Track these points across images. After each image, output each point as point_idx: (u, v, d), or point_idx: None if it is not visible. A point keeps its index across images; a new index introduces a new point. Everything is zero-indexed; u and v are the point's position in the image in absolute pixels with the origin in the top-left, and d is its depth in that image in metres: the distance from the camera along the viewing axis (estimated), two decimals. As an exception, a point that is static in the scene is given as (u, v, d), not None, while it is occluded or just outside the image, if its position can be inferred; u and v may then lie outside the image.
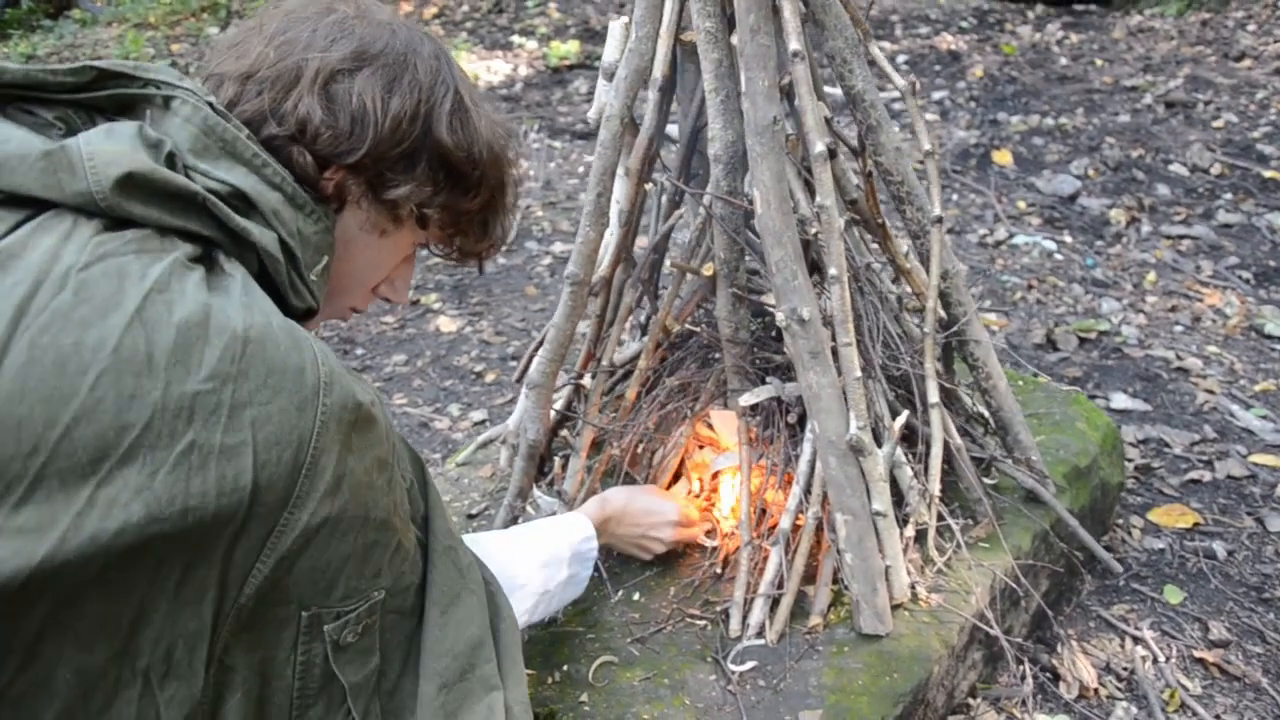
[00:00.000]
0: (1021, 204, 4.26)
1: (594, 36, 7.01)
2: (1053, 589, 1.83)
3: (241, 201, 0.93)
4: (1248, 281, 3.56)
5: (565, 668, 1.48)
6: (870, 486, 1.46)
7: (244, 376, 0.82)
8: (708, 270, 1.61)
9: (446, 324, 3.26)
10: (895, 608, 1.52)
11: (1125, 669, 1.76)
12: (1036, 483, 1.71)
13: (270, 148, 0.98)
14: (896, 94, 5.16)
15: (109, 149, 0.85)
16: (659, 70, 1.51)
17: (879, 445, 1.49)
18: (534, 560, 1.35)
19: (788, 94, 1.46)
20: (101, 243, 0.82)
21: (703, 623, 1.57)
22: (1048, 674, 1.73)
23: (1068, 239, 3.95)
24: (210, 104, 0.95)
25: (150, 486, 0.77)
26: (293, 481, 0.84)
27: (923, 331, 1.56)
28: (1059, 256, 3.81)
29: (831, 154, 1.44)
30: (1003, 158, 4.73)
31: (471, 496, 1.91)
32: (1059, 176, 4.48)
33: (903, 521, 1.58)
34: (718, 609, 1.58)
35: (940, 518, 1.61)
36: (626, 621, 1.57)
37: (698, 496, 1.75)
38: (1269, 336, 3.14)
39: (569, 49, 6.66)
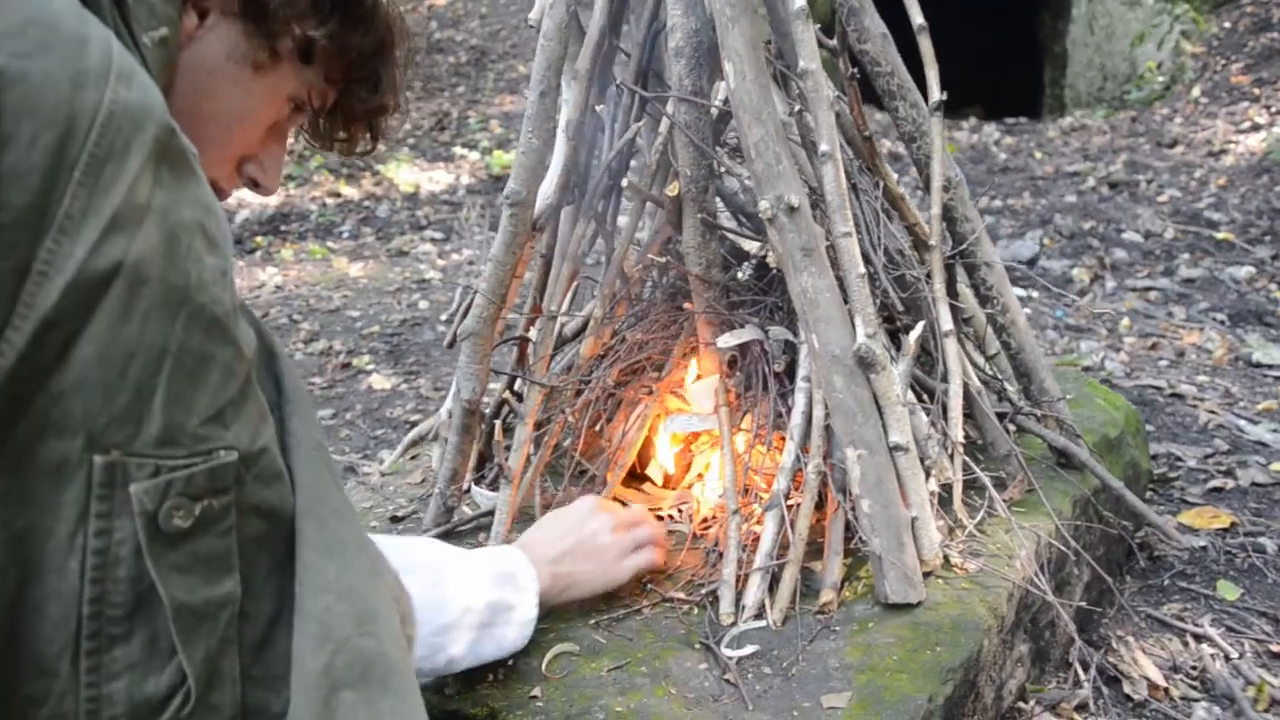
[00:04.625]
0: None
1: (537, 147, 6.99)
2: (1095, 582, 1.54)
3: None
4: (1222, 323, 3.43)
5: (510, 662, 1.14)
6: (885, 412, 1.19)
7: None
8: (671, 190, 1.37)
9: (380, 382, 2.95)
10: (926, 575, 1.22)
11: (1194, 667, 1.46)
12: (1069, 441, 1.44)
13: None
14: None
15: None
16: (609, -49, 1.32)
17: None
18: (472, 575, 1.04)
19: (758, -33, 1.27)
20: None
21: (686, 607, 1.24)
22: (1105, 675, 1.42)
23: (1034, 295, 3.82)
24: None
25: None
26: (53, 182, 0.54)
27: (928, 248, 1.33)
28: (1028, 310, 3.66)
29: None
30: (956, 232, 4.65)
31: (397, 501, 1.59)
32: (1016, 243, 4.40)
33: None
34: (703, 591, 1.26)
35: (967, 469, 1.33)
36: (588, 610, 1.24)
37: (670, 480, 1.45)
38: (1259, 365, 2.97)
39: (512, 158, 6.62)
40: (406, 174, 6.50)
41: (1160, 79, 7.01)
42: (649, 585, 1.27)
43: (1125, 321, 3.44)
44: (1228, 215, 4.60)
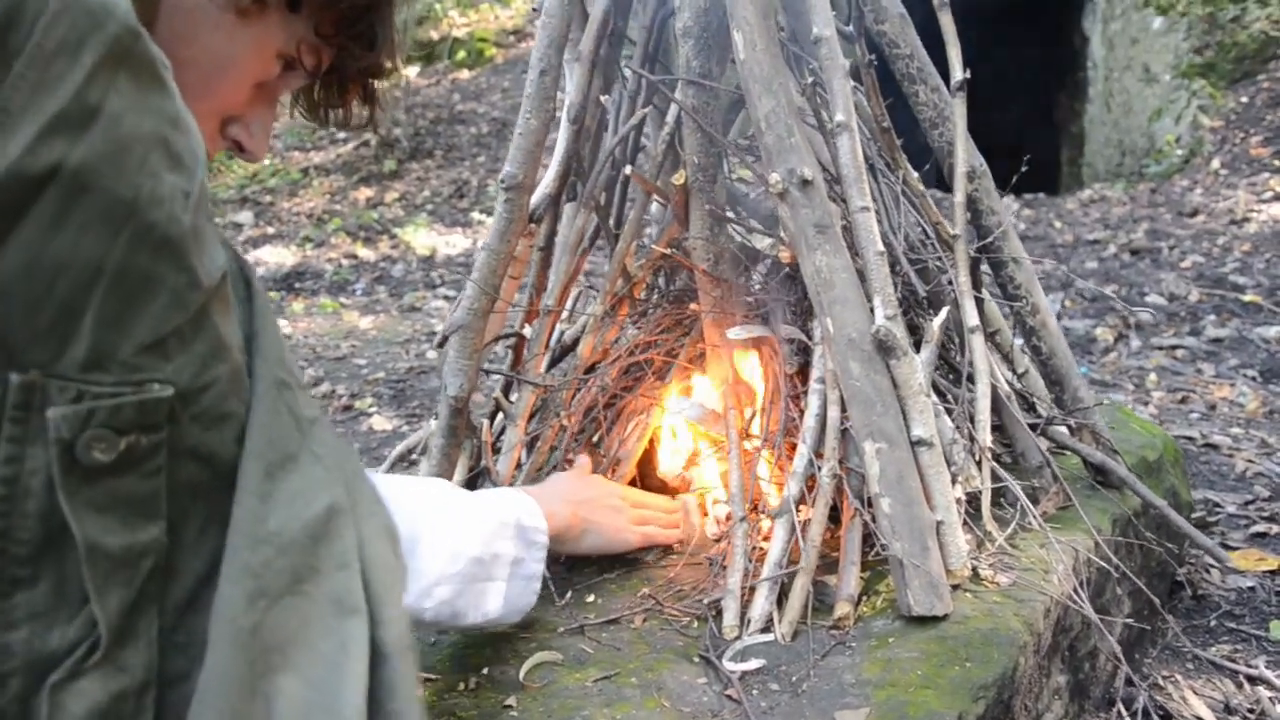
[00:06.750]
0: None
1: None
2: (1135, 615, 1.40)
3: None
4: (1254, 379, 3.30)
5: (485, 671, 1.02)
6: (907, 403, 1.09)
7: None
8: (678, 179, 1.29)
9: (381, 423, 2.86)
10: (953, 588, 1.10)
11: (1251, 710, 1.31)
12: (1107, 456, 1.33)
13: None
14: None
15: None
16: (615, -71, 1.27)
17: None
18: (464, 519, 0.95)
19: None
20: None
21: (685, 619, 1.13)
22: (1152, 716, 1.28)
23: (1056, 352, 3.71)
24: None
25: None
26: None
27: (952, 237, 1.24)
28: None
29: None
30: (975, 293, 4.58)
31: (380, 516, 1.48)
32: (1036, 304, 4.32)
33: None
34: (705, 603, 1.14)
35: (996, 478, 1.22)
36: (578, 622, 1.12)
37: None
38: (1297, 418, 2.84)
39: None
40: (423, 237, 6.51)
41: (1179, 152, 7.00)
42: (644, 592, 1.16)
43: (1153, 377, 3.32)
44: (1253, 279, 4.51)
